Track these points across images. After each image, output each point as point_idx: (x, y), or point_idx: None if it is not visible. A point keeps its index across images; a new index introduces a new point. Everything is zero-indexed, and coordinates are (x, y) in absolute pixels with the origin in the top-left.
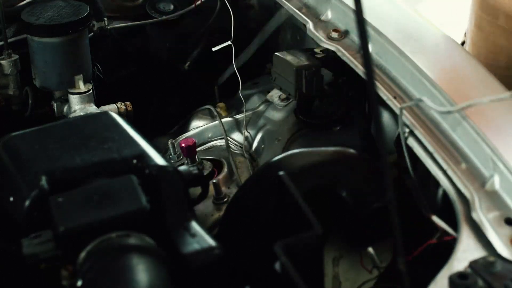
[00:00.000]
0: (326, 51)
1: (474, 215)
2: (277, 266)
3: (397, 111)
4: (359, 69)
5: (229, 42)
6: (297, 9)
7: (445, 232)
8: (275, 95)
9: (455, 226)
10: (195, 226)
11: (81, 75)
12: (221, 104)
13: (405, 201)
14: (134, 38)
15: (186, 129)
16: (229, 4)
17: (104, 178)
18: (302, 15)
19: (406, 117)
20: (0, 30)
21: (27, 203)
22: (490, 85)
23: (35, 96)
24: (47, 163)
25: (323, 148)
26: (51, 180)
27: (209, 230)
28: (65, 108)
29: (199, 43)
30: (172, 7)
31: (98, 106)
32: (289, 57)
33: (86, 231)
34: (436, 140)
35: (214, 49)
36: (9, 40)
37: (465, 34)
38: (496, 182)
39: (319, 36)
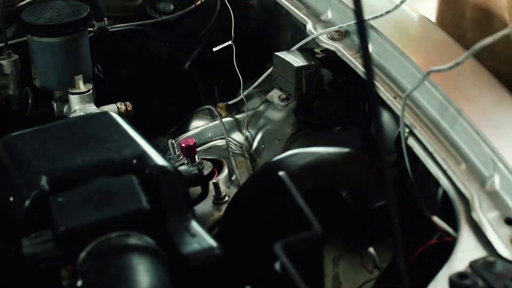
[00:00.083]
0: (326, 51)
1: (474, 215)
2: (277, 266)
3: (398, 108)
4: (359, 69)
5: (229, 42)
6: (297, 9)
7: (445, 232)
8: (275, 95)
9: (455, 226)
10: (195, 226)
11: (81, 75)
12: (221, 104)
13: (405, 201)
14: (134, 38)
15: (186, 129)
16: (229, 4)
17: (104, 178)
18: (302, 15)
19: (406, 117)
20: (0, 30)
21: (27, 203)
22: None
23: (35, 96)
24: (47, 163)
25: (323, 148)
26: (51, 180)
27: (209, 230)
28: (65, 108)
29: (199, 43)
30: (172, 7)
31: (98, 106)
32: (289, 57)
33: (86, 231)
34: (436, 140)
35: (214, 49)
36: (9, 42)
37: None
38: (496, 182)
39: (319, 36)
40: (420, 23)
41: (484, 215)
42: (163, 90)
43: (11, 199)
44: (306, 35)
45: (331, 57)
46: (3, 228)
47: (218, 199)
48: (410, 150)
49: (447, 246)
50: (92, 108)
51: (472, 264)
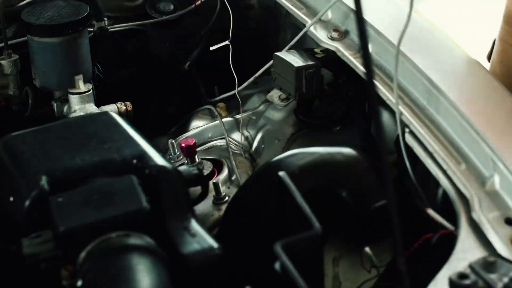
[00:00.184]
0: (326, 51)
1: (474, 215)
2: (277, 266)
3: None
4: (359, 69)
5: (226, 42)
6: (297, 9)
7: (441, 226)
8: (275, 95)
9: (455, 226)
10: (195, 226)
11: (81, 75)
12: (221, 104)
13: (405, 201)
14: (134, 38)
15: (186, 129)
16: (229, 4)
17: (104, 178)
18: (302, 15)
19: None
20: (0, 30)
21: (27, 203)
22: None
23: (35, 96)
24: (47, 163)
25: (323, 148)
26: (51, 180)
27: (209, 230)
28: (65, 108)
29: (199, 43)
30: (172, 7)
31: (98, 106)
32: (289, 57)
33: (86, 231)
34: (436, 140)
35: (211, 48)
36: (9, 42)
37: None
38: (496, 182)
39: (319, 36)
40: (420, 25)
41: (484, 215)
42: (163, 90)
43: (11, 199)
44: (306, 35)
45: (331, 57)
46: (3, 228)
47: (218, 199)
48: (410, 150)
49: (446, 245)
50: (92, 108)
51: (472, 264)
